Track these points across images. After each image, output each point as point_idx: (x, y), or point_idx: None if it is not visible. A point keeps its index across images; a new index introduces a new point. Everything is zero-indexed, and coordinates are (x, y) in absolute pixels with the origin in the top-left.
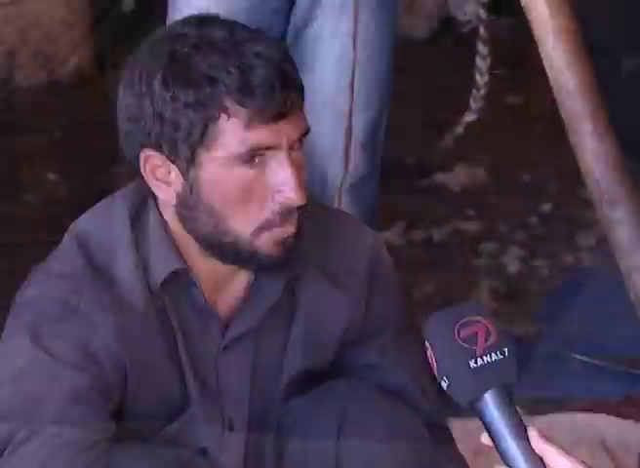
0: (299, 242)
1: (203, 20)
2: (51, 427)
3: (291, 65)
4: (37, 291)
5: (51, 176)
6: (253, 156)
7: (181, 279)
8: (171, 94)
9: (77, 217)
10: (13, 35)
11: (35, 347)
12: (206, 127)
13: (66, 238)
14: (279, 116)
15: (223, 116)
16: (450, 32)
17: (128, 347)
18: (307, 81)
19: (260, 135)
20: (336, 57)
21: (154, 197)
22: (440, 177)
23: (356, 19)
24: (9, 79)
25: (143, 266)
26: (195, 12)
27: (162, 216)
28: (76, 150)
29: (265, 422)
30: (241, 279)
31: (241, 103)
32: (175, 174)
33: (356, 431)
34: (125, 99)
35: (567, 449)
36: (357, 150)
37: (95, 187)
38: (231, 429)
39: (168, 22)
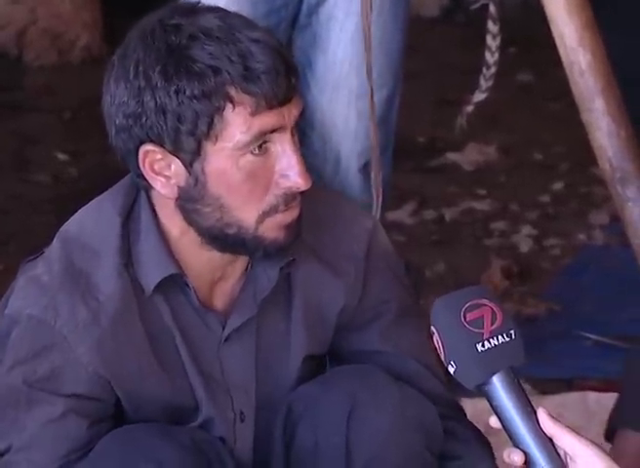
0: (299, 225)
1: (192, 9)
2: (25, 454)
3: (285, 49)
4: (17, 305)
5: (61, 156)
6: (258, 143)
7: (175, 280)
8: (175, 86)
9: (87, 198)
10: (22, 15)
11: (12, 374)
12: (212, 118)
13: (55, 239)
14: (285, 100)
15: (229, 106)
16: (460, 10)
17: (109, 360)
18: (321, 61)
19: (266, 120)
20: (349, 36)
21: (147, 193)
22: (451, 156)
23: None
24: (18, 59)
25: (135, 267)
26: None
27: (155, 215)
28: (86, 130)
29: (274, 409)
30: (237, 268)
31: (247, 92)
32: (176, 167)
33: (366, 416)
34: (119, 95)
35: (578, 429)
36: (370, 130)
37: (104, 167)
38: (242, 420)
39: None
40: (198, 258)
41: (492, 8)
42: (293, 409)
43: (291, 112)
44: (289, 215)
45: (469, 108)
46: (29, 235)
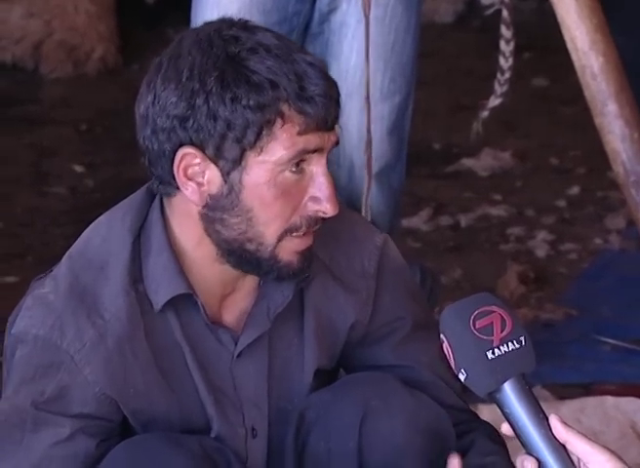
0: (312, 254)
1: (247, 26)
2: None
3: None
4: (23, 325)
5: (77, 168)
6: (297, 160)
7: (185, 297)
8: (231, 94)
9: (104, 209)
10: (38, 28)
11: (19, 394)
12: (261, 130)
13: (64, 257)
14: (331, 126)
15: (279, 121)
16: (475, 15)
17: (115, 380)
18: (334, 68)
19: (310, 140)
20: (361, 43)
21: (162, 204)
22: (467, 162)
23: (385, 5)
24: (34, 71)
25: (145, 283)
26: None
27: (168, 229)
28: (102, 142)
29: (286, 423)
30: (248, 281)
31: (299, 111)
32: (211, 174)
33: (379, 422)
34: (167, 96)
35: (596, 433)
36: (384, 136)
37: (121, 179)
38: (254, 436)
39: (193, 12)
40: (210, 271)
41: (505, 13)
42: (305, 417)
43: (330, 138)
44: (305, 242)
45: (484, 114)
46: (47, 247)
